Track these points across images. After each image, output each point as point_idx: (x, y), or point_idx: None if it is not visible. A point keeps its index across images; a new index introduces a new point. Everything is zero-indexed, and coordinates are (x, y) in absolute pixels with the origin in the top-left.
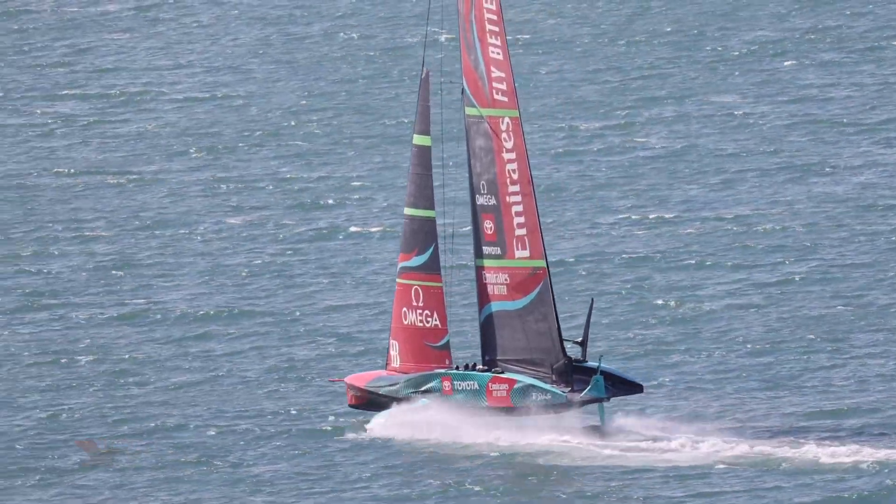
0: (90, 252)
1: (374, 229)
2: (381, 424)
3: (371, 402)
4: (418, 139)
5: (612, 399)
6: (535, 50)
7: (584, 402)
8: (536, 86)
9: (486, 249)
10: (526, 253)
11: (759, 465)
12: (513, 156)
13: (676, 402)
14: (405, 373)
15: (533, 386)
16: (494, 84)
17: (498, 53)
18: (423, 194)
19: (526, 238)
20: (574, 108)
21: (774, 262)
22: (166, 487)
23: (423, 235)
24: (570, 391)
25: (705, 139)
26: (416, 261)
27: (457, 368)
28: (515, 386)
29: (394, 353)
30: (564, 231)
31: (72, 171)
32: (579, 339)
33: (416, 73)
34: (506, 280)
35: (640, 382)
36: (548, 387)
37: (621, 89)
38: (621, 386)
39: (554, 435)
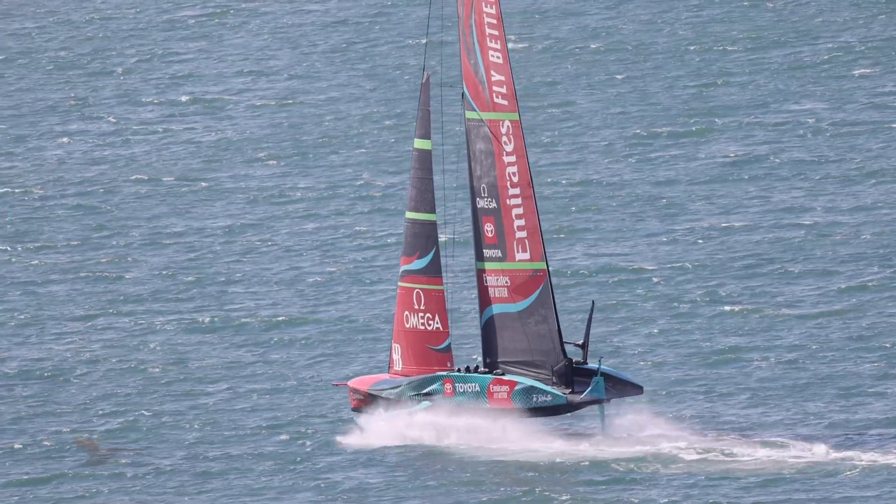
0: (168, 258)
1: (446, 236)
2: (384, 429)
3: (374, 405)
4: (419, 143)
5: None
6: (611, 56)
7: (585, 404)
8: (614, 91)
9: (487, 252)
10: (526, 255)
11: (840, 473)
12: (513, 159)
13: (756, 410)
14: (407, 376)
15: (534, 388)
16: (494, 88)
17: (498, 57)
18: (424, 198)
19: (526, 240)
20: (651, 115)
21: (853, 269)
22: (247, 493)
23: (424, 239)
24: (570, 393)
25: (782, 146)
26: (418, 264)
27: (458, 371)
28: (516, 388)
29: (396, 356)
30: (641, 238)
31: (150, 177)
32: (580, 342)
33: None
34: (506, 283)
35: (640, 384)
36: (548, 388)
37: (698, 96)
38: (621, 387)
39: (640, 446)
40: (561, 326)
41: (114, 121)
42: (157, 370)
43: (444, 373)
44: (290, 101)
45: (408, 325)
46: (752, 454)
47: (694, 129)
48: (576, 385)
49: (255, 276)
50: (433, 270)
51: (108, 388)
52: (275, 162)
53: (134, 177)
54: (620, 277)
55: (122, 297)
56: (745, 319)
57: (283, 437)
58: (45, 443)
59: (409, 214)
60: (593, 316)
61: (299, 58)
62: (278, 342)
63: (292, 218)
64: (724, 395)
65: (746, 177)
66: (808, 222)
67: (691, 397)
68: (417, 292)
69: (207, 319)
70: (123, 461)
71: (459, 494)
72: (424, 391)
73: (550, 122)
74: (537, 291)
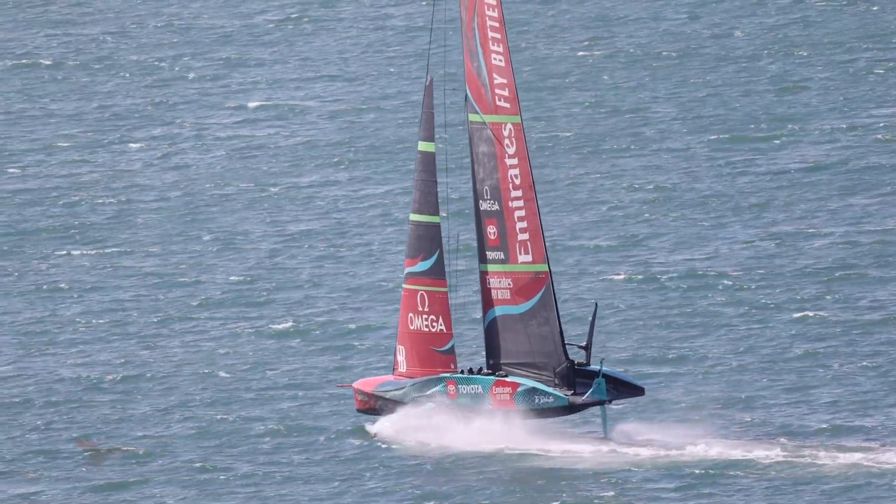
0: (247, 263)
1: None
2: (388, 428)
3: (378, 406)
4: (423, 146)
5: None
6: (689, 62)
7: (586, 405)
8: (692, 96)
9: (490, 254)
10: (528, 257)
11: None
12: (515, 161)
13: (839, 415)
14: (411, 377)
15: (536, 389)
16: (497, 91)
17: (500, 61)
18: (428, 200)
19: (528, 243)
20: (730, 120)
21: None
22: (326, 497)
23: (428, 241)
24: (572, 394)
25: (863, 150)
26: (422, 266)
27: (461, 372)
28: (518, 389)
29: (400, 358)
30: (721, 242)
31: (228, 182)
32: (583, 344)
33: (561, 85)
34: (509, 285)
35: (641, 385)
36: (550, 390)
37: (778, 101)
38: (622, 388)
39: (720, 450)
40: (563, 328)
41: (191, 126)
42: (236, 374)
43: (448, 374)
44: (368, 107)
45: (412, 327)
46: (836, 459)
47: (773, 133)
48: (577, 386)
49: (334, 281)
50: (437, 272)
51: (187, 393)
52: (349, 166)
53: (212, 182)
54: (700, 282)
55: (201, 302)
56: (827, 324)
57: (362, 441)
58: (125, 448)
59: (413, 216)
60: (596, 318)
61: (377, 63)
62: (357, 347)
63: (370, 224)
64: (806, 400)
65: (827, 181)
66: (889, 226)
67: (773, 402)
68: (421, 294)
69: (286, 324)
70: (198, 465)
71: (536, 499)
72: (428, 392)
73: (629, 127)
74: (539, 293)
